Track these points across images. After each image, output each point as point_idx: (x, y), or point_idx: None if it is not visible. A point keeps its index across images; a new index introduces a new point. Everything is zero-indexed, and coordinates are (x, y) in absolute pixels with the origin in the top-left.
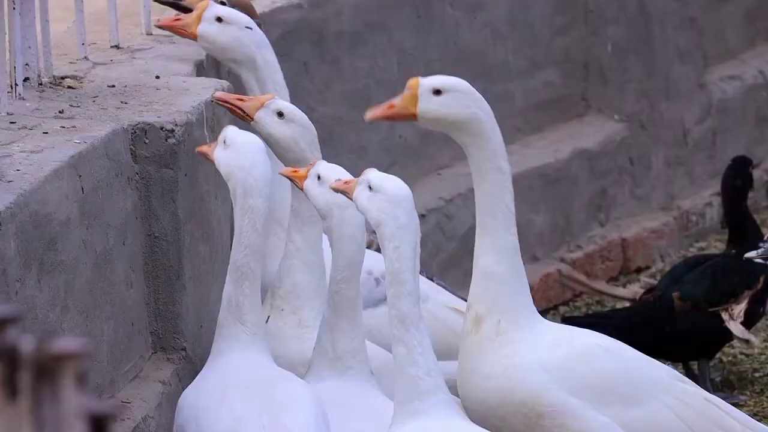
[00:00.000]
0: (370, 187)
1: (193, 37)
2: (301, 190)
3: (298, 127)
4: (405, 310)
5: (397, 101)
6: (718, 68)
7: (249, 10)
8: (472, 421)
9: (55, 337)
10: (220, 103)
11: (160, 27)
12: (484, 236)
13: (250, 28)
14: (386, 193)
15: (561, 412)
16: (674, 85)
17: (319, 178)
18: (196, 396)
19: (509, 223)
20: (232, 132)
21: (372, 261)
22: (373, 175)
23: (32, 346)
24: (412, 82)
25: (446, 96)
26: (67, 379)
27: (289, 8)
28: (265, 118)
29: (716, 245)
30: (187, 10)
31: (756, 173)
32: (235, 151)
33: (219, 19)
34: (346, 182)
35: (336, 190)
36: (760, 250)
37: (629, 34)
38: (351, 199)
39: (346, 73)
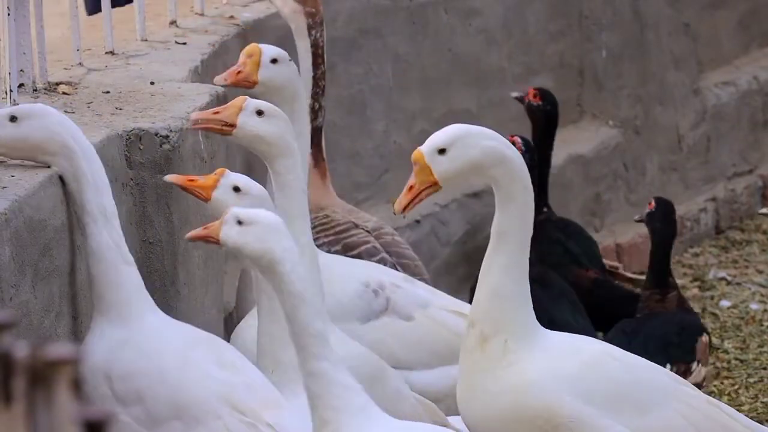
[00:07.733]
0: (240, 222)
1: (253, 86)
2: (206, 201)
3: (281, 122)
4: (321, 328)
5: (413, 179)
6: (712, 74)
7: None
8: None
9: (49, 343)
10: (199, 126)
11: (222, 85)
12: (499, 254)
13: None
14: (262, 222)
15: (578, 421)
16: (668, 90)
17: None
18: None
19: (526, 243)
20: (245, 212)
21: (366, 271)
22: (238, 210)
23: (27, 351)
24: (416, 155)
25: (453, 150)
26: (61, 385)
27: None
28: (247, 121)
29: (710, 251)
30: None
31: (750, 179)
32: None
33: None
34: (205, 228)
35: (196, 239)
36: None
37: (624, 40)
38: (217, 243)
39: (341, 79)
